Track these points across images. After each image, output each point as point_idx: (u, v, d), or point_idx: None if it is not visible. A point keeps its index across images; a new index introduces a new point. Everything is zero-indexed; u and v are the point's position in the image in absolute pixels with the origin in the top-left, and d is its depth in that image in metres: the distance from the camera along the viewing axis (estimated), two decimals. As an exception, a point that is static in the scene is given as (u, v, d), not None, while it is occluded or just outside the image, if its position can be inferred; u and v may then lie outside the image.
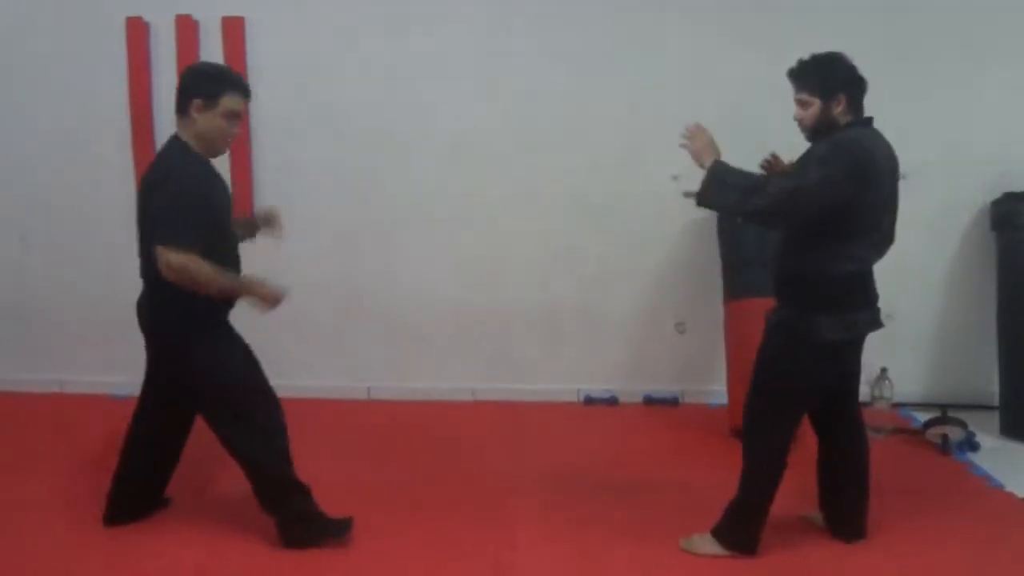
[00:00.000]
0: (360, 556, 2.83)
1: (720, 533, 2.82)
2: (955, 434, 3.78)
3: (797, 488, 3.17)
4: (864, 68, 4.08)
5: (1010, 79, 4.14)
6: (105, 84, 4.25)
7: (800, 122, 2.71)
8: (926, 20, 4.12)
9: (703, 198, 2.69)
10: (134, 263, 4.37)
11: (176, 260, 2.55)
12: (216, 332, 2.83)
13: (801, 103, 2.68)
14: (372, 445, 3.83)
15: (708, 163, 2.66)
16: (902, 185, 4.20)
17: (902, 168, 4.18)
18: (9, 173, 4.40)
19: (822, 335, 2.62)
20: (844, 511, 2.94)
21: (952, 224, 4.29)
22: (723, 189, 2.63)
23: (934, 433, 3.82)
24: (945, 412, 3.92)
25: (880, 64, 4.10)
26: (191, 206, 2.60)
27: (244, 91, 2.72)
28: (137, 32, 4.20)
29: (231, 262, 2.83)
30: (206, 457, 3.67)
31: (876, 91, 4.10)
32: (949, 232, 4.30)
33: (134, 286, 4.45)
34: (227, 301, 2.82)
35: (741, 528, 2.81)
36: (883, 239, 2.80)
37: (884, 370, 3.98)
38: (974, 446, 3.79)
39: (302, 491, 2.88)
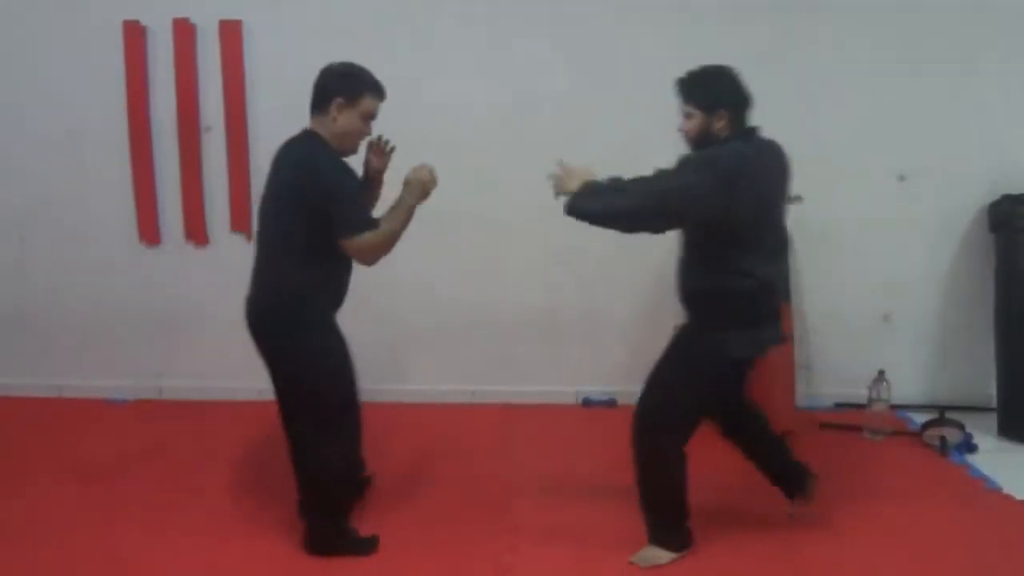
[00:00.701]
0: (359, 557, 2.83)
1: (661, 540, 2.84)
2: (953, 436, 3.78)
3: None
4: (862, 71, 4.15)
5: (1008, 81, 4.14)
6: (102, 87, 4.24)
7: (684, 134, 2.72)
8: (924, 24, 4.11)
9: (570, 208, 2.64)
10: (131, 265, 4.42)
11: (367, 242, 2.65)
12: (328, 332, 2.87)
13: (686, 115, 2.69)
14: (370, 447, 3.82)
15: (575, 186, 2.63)
16: (901, 187, 4.26)
17: (901, 170, 4.24)
18: (7, 176, 4.39)
19: (731, 352, 2.66)
20: (788, 469, 3.07)
21: (950, 226, 4.29)
22: (589, 197, 2.61)
23: (932, 435, 3.82)
24: (943, 414, 3.92)
25: (878, 67, 4.16)
26: (352, 190, 2.71)
27: (380, 93, 2.79)
28: (134, 35, 4.19)
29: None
30: (204, 456, 3.68)
31: (874, 93, 4.16)
32: (947, 234, 4.30)
33: (132, 289, 4.49)
34: (338, 301, 2.90)
35: (677, 528, 2.85)
36: (781, 245, 2.83)
37: (882, 372, 3.99)
38: (972, 448, 3.79)
39: (346, 509, 2.92)
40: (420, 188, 2.77)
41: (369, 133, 2.84)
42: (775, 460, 3.09)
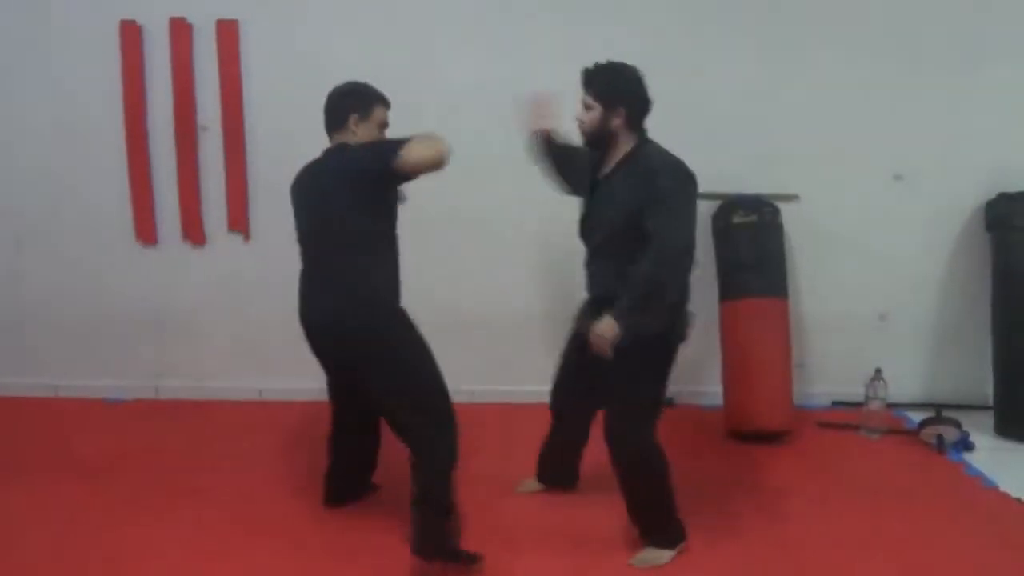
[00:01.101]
0: (355, 557, 2.83)
1: (658, 541, 2.84)
2: (950, 434, 3.79)
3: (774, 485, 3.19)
4: (860, 69, 4.16)
5: (1004, 79, 4.14)
6: (99, 87, 4.24)
7: (580, 124, 2.76)
8: (921, 24, 4.12)
9: (638, 326, 2.64)
10: (128, 265, 4.42)
11: (413, 145, 2.71)
12: (414, 329, 2.96)
13: (585, 105, 2.73)
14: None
15: (619, 330, 2.61)
16: (898, 186, 4.27)
17: (898, 170, 4.25)
18: (3, 176, 4.38)
19: (684, 333, 2.78)
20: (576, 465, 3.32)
21: (947, 224, 4.30)
22: (641, 313, 2.62)
23: (929, 433, 3.83)
24: (940, 412, 3.93)
25: (875, 66, 4.16)
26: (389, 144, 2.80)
27: (388, 103, 3.00)
28: (131, 35, 4.19)
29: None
30: (201, 457, 3.68)
31: (871, 92, 4.16)
32: (944, 232, 4.31)
33: (129, 289, 4.48)
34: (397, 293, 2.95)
35: (671, 523, 2.86)
36: None
37: (879, 370, 3.99)
38: (969, 446, 3.80)
39: (455, 507, 2.86)
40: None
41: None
42: (578, 452, 3.31)
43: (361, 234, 2.82)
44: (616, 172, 2.76)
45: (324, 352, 2.99)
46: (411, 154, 2.68)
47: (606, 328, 2.60)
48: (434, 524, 2.75)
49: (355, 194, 2.79)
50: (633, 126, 2.74)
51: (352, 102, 2.93)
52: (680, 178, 2.69)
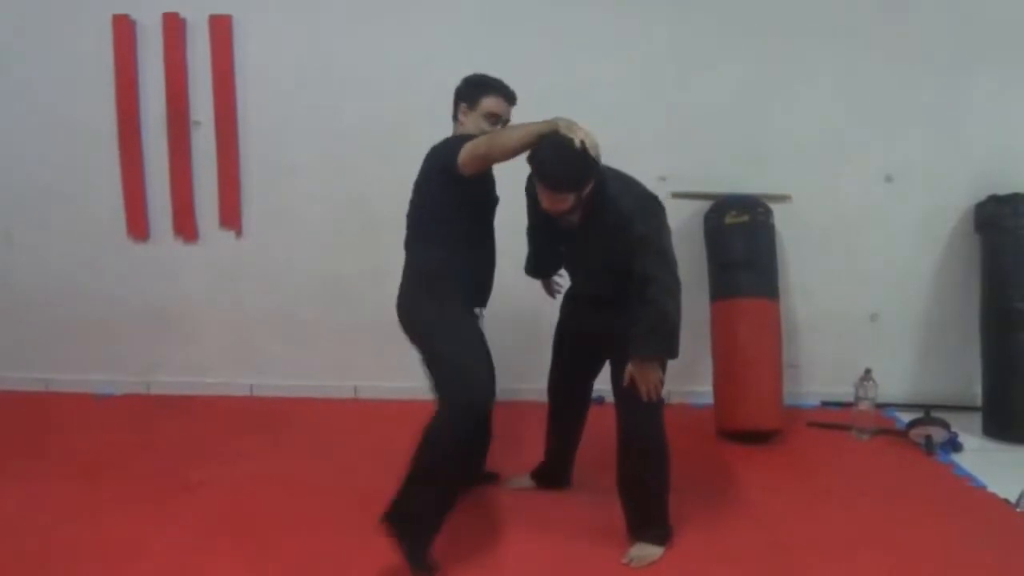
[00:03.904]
0: (346, 555, 2.83)
1: (653, 536, 2.85)
2: (938, 435, 3.80)
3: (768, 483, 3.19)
4: (853, 71, 4.17)
5: (996, 82, 4.17)
6: (92, 82, 4.24)
7: (555, 212, 2.70)
8: (913, 23, 4.14)
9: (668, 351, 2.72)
10: (120, 260, 4.41)
11: (472, 144, 2.72)
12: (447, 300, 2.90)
13: (559, 200, 2.66)
14: (358, 444, 3.83)
15: (659, 361, 2.70)
16: (888, 188, 4.29)
17: (889, 171, 4.27)
18: (-5, 170, 4.38)
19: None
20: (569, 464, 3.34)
21: (937, 226, 4.31)
22: (668, 339, 2.67)
23: (918, 434, 3.84)
24: (928, 413, 3.94)
25: (868, 67, 4.17)
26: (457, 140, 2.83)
27: (503, 94, 2.99)
28: (124, 30, 4.18)
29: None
30: (191, 451, 3.67)
31: (863, 94, 4.18)
32: (934, 234, 4.32)
33: (121, 284, 4.47)
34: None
35: (666, 521, 2.88)
36: None
37: (868, 371, 4.00)
38: (957, 447, 3.81)
39: (444, 504, 2.71)
40: (568, 123, 2.62)
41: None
42: (573, 450, 3.32)
43: (427, 225, 2.91)
44: (586, 222, 2.73)
45: None
46: (464, 153, 2.72)
47: (652, 375, 2.67)
48: (404, 487, 2.65)
49: (430, 188, 2.88)
50: (598, 177, 2.70)
51: (461, 90, 3.02)
52: (653, 217, 2.71)
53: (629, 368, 2.69)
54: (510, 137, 2.68)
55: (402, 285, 2.94)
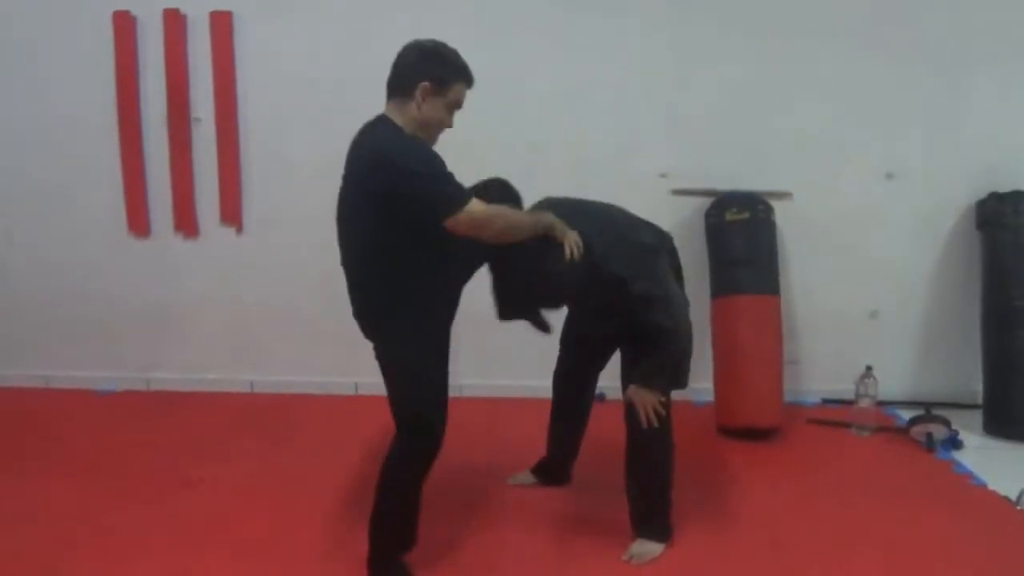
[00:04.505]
0: (347, 552, 2.83)
1: (655, 533, 2.85)
2: (939, 432, 3.80)
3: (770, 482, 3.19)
4: (851, 69, 4.16)
5: (996, 79, 4.16)
6: (92, 78, 4.23)
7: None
8: (913, 22, 4.13)
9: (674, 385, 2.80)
10: (120, 256, 4.40)
11: (478, 213, 2.33)
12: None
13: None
14: (359, 441, 3.83)
15: (657, 392, 2.74)
16: (889, 185, 4.28)
17: (889, 168, 4.26)
18: (-5, 167, 4.38)
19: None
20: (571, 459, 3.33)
21: (937, 223, 4.31)
22: (674, 377, 2.76)
23: (918, 431, 3.84)
24: (929, 410, 3.94)
25: (869, 63, 4.17)
26: (441, 163, 2.36)
27: (471, 81, 2.50)
28: (124, 26, 4.18)
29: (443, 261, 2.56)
30: (192, 448, 3.68)
31: (864, 91, 4.17)
32: (935, 231, 4.32)
33: (121, 281, 4.47)
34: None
35: (669, 517, 2.88)
36: None
37: (869, 368, 4.00)
38: (957, 444, 3.81)
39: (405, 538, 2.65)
40: (563, 229, 2.48)
41: (451, 125, 2.51)
42: (575, 444, 3.31)
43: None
44: (582, 288, 2.71)
45: None
46: (478, 217, 2.33)
47: (649, 399, 2.71)
48: (374, 532, 2.60)
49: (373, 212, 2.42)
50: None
51: (431, 66, 2.40)
52: (646, 266, 2.67)
53: (628, 392, 2.74)
54: (520, 228, 2.47)
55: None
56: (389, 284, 2.48)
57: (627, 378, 2.83)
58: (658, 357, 2.69)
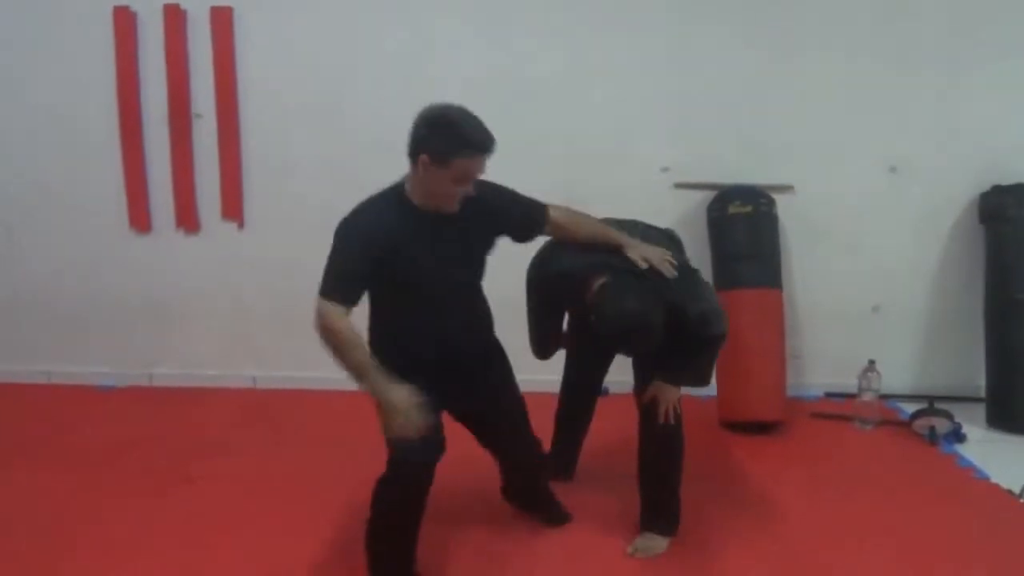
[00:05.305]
0: (348, 549, 2.83)
1: (663, 527, 2.86)
2: (942, 426, 3.80)
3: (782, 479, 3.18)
4: (856, 62, 4.15)
5: (999, 72, 4.14)
6: (92, 74, 4.22)
7: None
8: (915, 16, 4.12)
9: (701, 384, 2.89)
10: (122, 252, 4.40)
11: (322, 312, 2.35)
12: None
13: None
14: (361, 436, 3.81)
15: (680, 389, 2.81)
16: (892, 178, 4.27)
17: (892, 162, 4.25)
18: (-4, 163, 4.38)
19: None
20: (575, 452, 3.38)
21: (941, 217, 4.30)
22: (704, 377, 2.85)
23: (921, 424, 3.84)
24: (932, 404, 3.94)
25: (870, 58, 4.15)
26: (342, 253, 2.39)
27: (479, 149, 2.31)
28: (124, 22, 4.16)
29: (428, 317, 2.53)
30: (194, 444, 3.68)
31: (867, 84, 4.16)
32: (937, 225, 4.31)
33: (122, 276, 4.46)
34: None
35: (677, 514, 2.90)
36: None
37: (872, 362, 3.99)
38: (961, 438, 3.81)
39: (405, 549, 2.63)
40: (392, 409, 2.38)
41: (467, 192, 2.37)
42: (579, 441, 3.35)
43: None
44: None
45: None
46: (319, 310, 2.35)
47: (673, 395, 2.79)
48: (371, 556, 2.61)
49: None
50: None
51: (431, 138, 2.28)
52: (697, 292, 2.70)
53: (652, 388, 2.78)
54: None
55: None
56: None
57: (644, 376, 2.85)
58: (704, 357, 2.75)
